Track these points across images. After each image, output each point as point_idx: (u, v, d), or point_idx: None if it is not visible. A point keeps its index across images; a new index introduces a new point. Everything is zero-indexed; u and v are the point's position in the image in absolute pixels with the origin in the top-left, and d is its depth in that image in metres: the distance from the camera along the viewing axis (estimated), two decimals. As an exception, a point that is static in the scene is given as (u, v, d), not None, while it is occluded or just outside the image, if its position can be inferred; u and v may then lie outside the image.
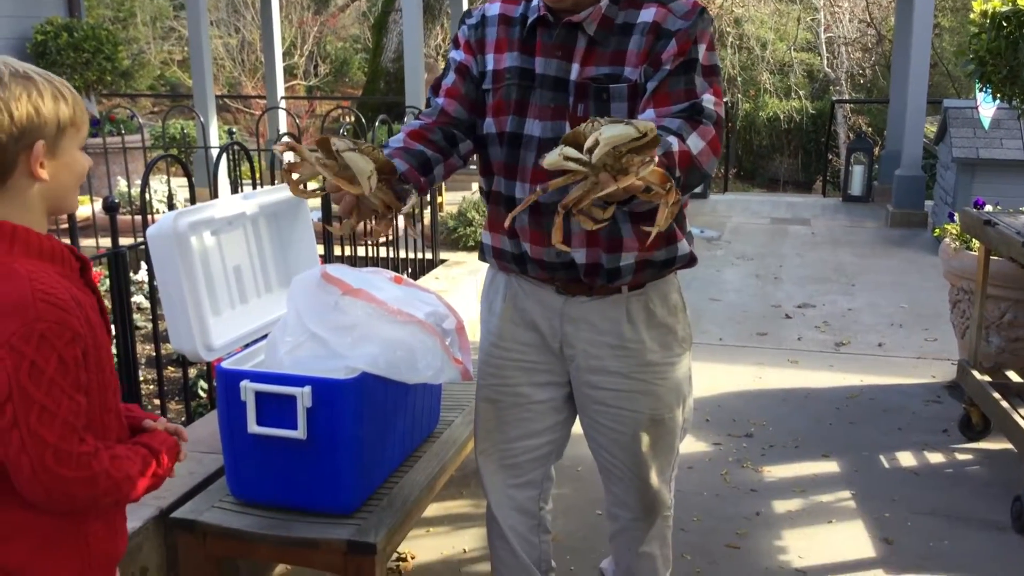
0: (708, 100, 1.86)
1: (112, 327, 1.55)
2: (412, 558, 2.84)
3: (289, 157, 1.77)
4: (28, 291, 1.29)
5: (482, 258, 2.20)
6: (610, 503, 2.29)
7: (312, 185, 1.85)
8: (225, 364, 2.18)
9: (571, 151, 1.60)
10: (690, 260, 2.11)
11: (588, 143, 1.57)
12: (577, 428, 2.26)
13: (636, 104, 1.91)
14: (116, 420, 1.47)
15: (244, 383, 2.08)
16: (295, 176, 1.80)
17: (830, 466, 3.54)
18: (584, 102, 1.92)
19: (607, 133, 1.54)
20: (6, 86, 1.31)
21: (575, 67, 1.93)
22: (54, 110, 1.35)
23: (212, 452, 2.47)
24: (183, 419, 2.97)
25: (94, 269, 1.55)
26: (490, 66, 2.03)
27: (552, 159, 1.61)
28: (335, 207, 1.87)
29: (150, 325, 2.95)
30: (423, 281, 4.58)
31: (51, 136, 1.36)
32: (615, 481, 2.22)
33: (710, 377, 4.45)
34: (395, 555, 2.84)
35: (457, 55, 2.09)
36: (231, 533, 2.13)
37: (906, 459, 3.59)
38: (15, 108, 1.31)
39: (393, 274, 2.41)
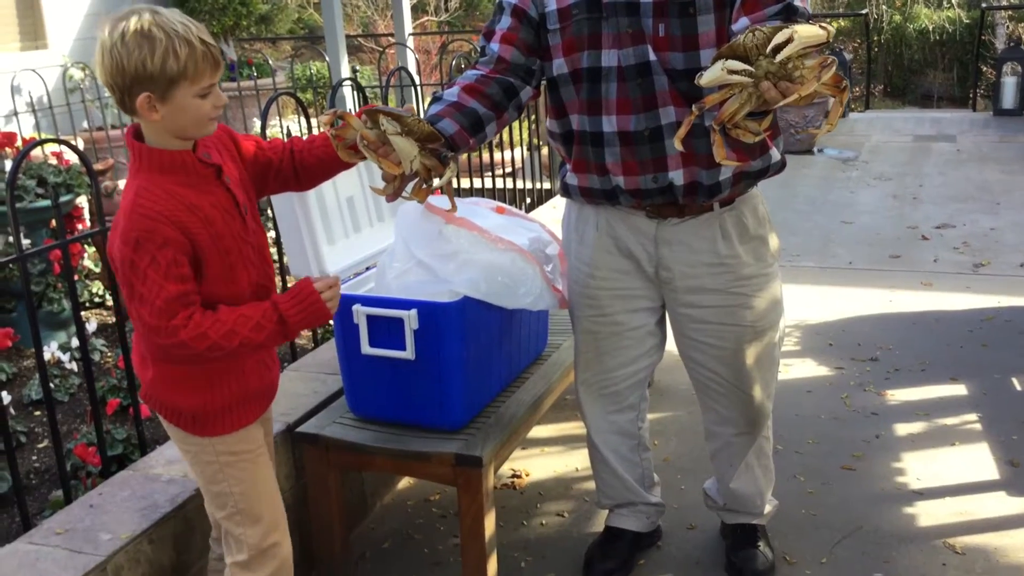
0: None
1: (247, 219, 1.76)
2: (527, 475, 2.96)
3: (334, 121, 1.80)
4: (131, 204, 1.59)
5: (565, 195, 2.22)
6: (710, 421, 2.32)
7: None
8: (339, 289, 2.31)
9: (735, 64, 1.58)
10: (781, 167, 2.10)
11: (779, 39, 1.53)
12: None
13: (723, 14, 1.88)
14: (255, 289, 1.74)
15: (356, 307, 2.21)
16: (339, 140, 1.82)
17: (957, 389, 3.43)
18: (664, 21, 1.90)
19: (804, 32, 1.51)
20: (126, 44, 1.54)
21: None
22: (161, 66, 1.54)
23: (334, 373, 2.64)
24: (311, 345, 3.16)
25: None
26: (552, 6, 2.00)
27: (714, 74, 1.60)
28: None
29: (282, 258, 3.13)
30: (540, 210, 4.64)
31: (161, 87, 1.56)
32: (716, 398, 2.25)
33: (836, 302, 4.35)
34: (511, 472, 2.96)
35: None
36: (350, 446, 2.29)
37: (1041, 382, 3.45)
38: (127, 63, 1.55)
39: (496, 203, 2.48)
